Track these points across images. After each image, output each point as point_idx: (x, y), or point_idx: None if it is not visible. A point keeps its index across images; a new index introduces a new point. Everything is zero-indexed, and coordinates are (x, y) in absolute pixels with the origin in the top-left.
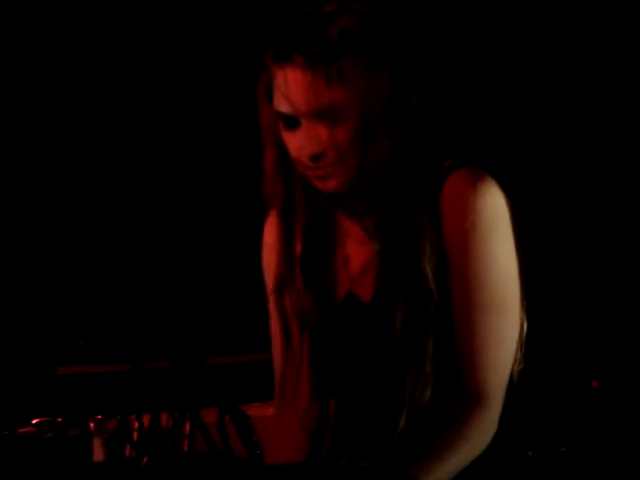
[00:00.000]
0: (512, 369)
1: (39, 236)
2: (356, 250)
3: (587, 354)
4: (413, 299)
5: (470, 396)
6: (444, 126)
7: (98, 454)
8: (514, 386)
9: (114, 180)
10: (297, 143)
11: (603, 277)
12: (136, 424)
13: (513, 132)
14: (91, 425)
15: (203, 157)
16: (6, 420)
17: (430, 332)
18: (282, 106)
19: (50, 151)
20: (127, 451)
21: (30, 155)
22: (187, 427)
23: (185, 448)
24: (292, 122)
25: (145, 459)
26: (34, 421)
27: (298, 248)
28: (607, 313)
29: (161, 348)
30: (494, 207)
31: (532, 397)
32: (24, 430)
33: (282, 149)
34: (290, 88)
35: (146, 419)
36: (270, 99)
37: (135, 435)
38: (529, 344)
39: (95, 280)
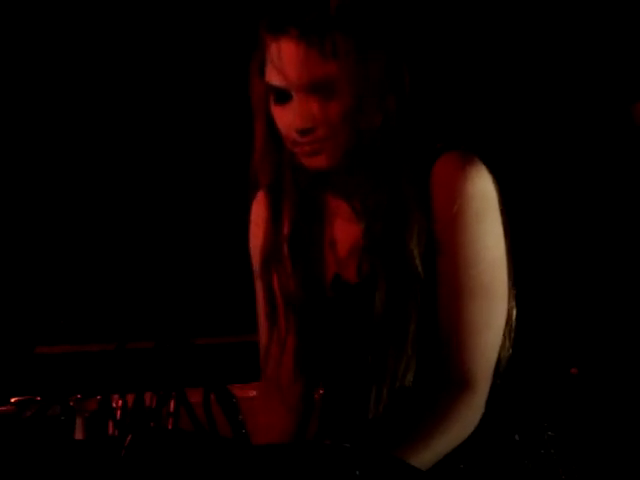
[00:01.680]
0: (500, 355)
1: (21, 218)
2: (345, 230)
3: (568, 342)
4: (397, 279)
5: (457, 379)
6: (436, 110)
7: (78, 433)
8: (501, 372)
9: (101, 169)
10: (287, 118)
11: (584, 266)
12: (119, 402)
13: (504, 118)
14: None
15: (190, 144)
16: None
17: (413, 313)
18: (274, 79)
19: (46, 144)
20: (109, 430)
21: (25, 149)
22: (172, 406)
23: (169, 427)
24: (283, 96)
25: (129, 437)
26: (13, 400)
27: (286, 228)
28: (589, 302)
29: (147, 328)
30: (483, 191)
31: (519, 382)
32: (3, 408)
33: (272, 126)
34: (283, 60)
35: (130, 398)
36: (262, 73)
37: (118, 413)
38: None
39: (82, 261)
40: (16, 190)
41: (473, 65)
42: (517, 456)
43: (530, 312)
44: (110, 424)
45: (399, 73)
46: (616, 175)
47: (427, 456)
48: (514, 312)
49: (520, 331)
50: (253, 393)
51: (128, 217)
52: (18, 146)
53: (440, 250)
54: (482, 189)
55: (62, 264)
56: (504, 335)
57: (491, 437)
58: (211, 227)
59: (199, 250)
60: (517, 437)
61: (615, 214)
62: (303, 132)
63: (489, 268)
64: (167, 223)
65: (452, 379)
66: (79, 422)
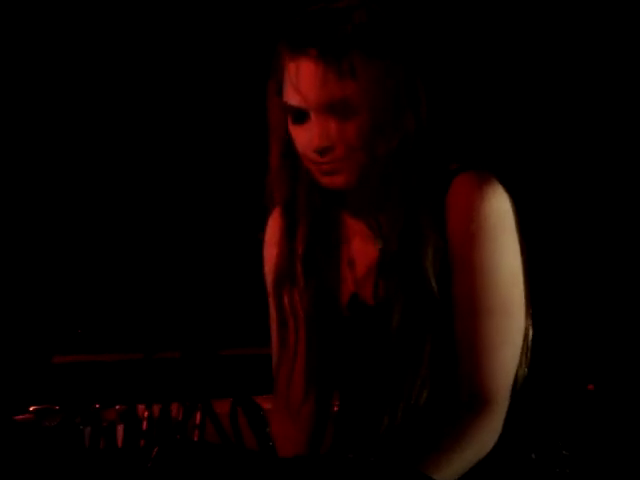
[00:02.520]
0: (517, 373)
1: (40, 226)
2: (362, 250)
3: (584, 358)
4: (413, 300)
5: (476, 397)
6: (452, 129)
7: (100, 442)
8: (518, 390)
9: (118, 172)
10: (305, 137)
11: (599, 282)
12: (146, 413)
13: (519, 137)
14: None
15: (211, 149)
16: (4, 407)
17: (428, 334)
18: (292, 99)
19: (52, 146)
20: (133, 440)
21: (33, 150)
22: (198, 418)
23: (195, 439)
24: (301, 116)
25: (155, 449)
26: (32, 408)
27: (300, 247)
28: (604, 316)
29: (174, 338)
30: (500, 210)
31: (535, 400)
32: (22, 417)
33: (288, 145)
34: (301, 80)
35: (156, 409)
36: (280, 93)
37: (145, 424)
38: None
39: (109, 271)
40: (35, 201)
41: (484, 86)
42: (533, 474)
43: (546, 329)
44: (133, 434)
45: (416, 92)
46: (636, 194)
47: (446, 473)
48: (530, 331)
49: (536, 348)
50: (267, 406)
51: (157, 226)
52: (32, 151)
53: (457, 269)
54: (499, 208)
55: (84, 273)
56: (521, 353)
57: (508, 455)
58: (238, 239)
59: (227, 261)
60: (534, 455)
61: (635, 233)
62: (322, 152)
63: (506, 286)
64: (196, 233)
65: (471, 397)
66: (99, 432)
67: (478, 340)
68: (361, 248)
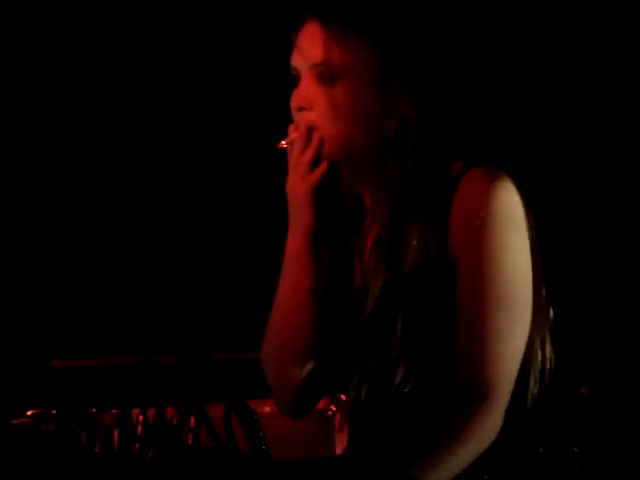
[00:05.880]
0: (528, 390)
1: (37, 229)
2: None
3: (577, 361)
4: (388, 286)
5: (477, 392)
6: (457, 128)
7: (95, 446)
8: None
9: (118, 173)
10: (293, 96)
11: (592, 285)
12: (141, 417)
13: (524, 135)
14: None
15: (214, 149)
16: (2, 411)
17: (399, 315)
18: (292, 60)
19: (53, 147)
20: (128, 444)
21: (30, 148)
22: (192, 421)
23: (190, 442)
24: (297, 78)
25: (150, 452)
26: (29, 412)
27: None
28: (600, 318)
29: (169, 343)
30: (508, 204)
31: (546, 395)
32: (19, 421)
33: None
34: (301, 40)
35: (150, 413)
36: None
37: (139, 428)
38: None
39: (101, 276)
40: (34, 202)
41: (488, 83)
42: (540, 468)
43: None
44: (129, 438)
45: (415, 79)
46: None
47: (448, 468)
48: (549, 347)
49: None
50: (266, 409)
51: (150, 231)
52: (31, 151)
53: (463, 262)
54: (507, 202)
55: (80, 277)
56: (533, 369)
57: (515, 448)
58: (232, 245)
59: (220, 266)
60: (541, 449)
61: (630, 239)
62: (299, 109)
63: (511, 280)
64: (190, 238)
65: (470, 391)
66: (95, 436)
67: (482, 333)
68: (369, 240)
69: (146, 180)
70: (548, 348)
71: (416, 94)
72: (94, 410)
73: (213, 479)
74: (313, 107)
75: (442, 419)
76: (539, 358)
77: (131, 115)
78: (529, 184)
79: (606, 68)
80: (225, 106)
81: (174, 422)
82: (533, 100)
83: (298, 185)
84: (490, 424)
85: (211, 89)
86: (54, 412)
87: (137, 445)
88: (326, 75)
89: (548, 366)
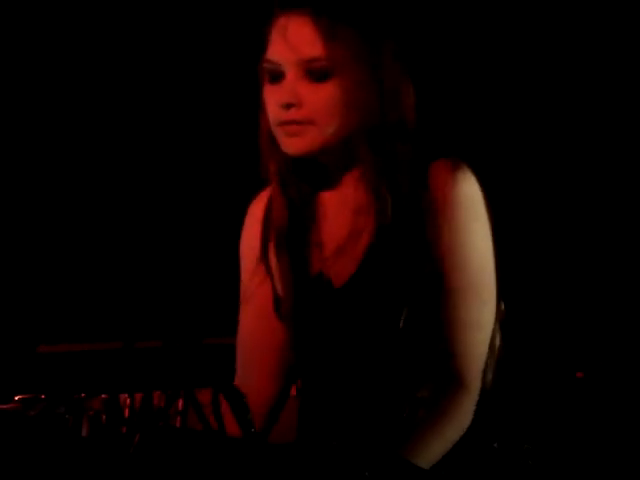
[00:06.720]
0: (485, 376)
1: (23, 217)
2: (331, 231)
3: (573, 346)
4: (366, 280)
5: (451, 378)
6: (428, 123)
7: (83, 431)
8: (493, 375)
9: (105, 168)
10: (276, 95)
11: (587, 269)
12: (127, 402)
13: (491, 128)
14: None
15: (197, 143)
16: None
17: (380, 310)
18: (274, 55)
19: (47, 142)
20: (116, 429)
21: (27, 148)
22: (180, 405)
23: (178, 425)
24: (277, 76)
25: (137, 436)
26: (17, 397)
27: (279, 223)
28: (593, 305)
29: (156, 327)
30: (471, 196)
31: (504, 389)
32: (7, 406)
33: None
34: (287, 34)
35: (138, 397)
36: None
37: (126, 412)
38: (514, 334)
39: (90, 260)
40: (21, 191)
41: (464, 74)
42: (494, 463)
43: (531, 316)
44: (117, 423)
45: (399, 77)
46: (608, 179)
47: (428, 455)
48: (498, 340)
49: (525, 337)
50: None
51: (138, 215)
52: (21, 148)
53: (432, 252)
54: (470, 194)
55: (67, 262)
56: (489, 357)
57: (471, 442)
58: (221, 227)
59: (208, 249)
60: (496, 445)
61: (612, 214)
62: (288, 105)
63: (479, 269)
64: (177, 222)
65: (446, 378)
66: (84, 421)
67: (452, 321)
68: (330, 228)
69: (134, 170)
70: (498, 339)
71: (408, 85)
72: (83, 395)
73: (201, 461)
74: (303, 104)
75: (422, 406)
76: (495, 348)
77: (128, 112)
78: (516, 179)
79: (603, 65)
80: (225, 106)
81: (162, 405)
82: (532, 99)
83: None
84: (466, 409)
85: (211, 89)
86: (42, 397)
87: (124, 428)
88: (317, 70)
89: (498, 357)
